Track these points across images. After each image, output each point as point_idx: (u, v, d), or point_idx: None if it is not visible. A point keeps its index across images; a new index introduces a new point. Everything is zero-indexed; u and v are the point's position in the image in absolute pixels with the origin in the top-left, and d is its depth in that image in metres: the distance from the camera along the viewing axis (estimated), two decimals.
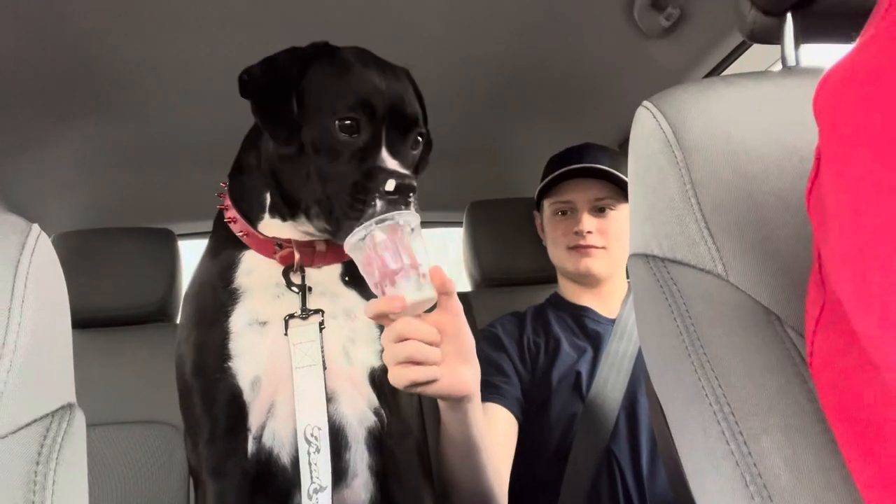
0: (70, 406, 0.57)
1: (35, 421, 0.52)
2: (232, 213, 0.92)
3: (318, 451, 0.81)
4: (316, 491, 0.81)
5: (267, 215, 0.90)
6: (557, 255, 1.41)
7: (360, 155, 0.81)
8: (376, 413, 0.90)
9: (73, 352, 0.62)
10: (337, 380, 0.87)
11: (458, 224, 1.82)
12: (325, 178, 0.82)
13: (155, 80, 1.40)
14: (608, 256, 1.35)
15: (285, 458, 0.85)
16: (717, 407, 0.51)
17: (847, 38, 0.72)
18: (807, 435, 0.47)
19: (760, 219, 0.57)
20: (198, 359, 0.86)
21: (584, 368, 1.27)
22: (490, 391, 1.18)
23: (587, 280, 1.38)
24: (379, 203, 0.77)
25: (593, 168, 1.33)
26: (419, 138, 0.89)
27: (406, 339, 0.73)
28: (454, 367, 0.78)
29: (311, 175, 0.83)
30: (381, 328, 0.90)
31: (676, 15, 1.27)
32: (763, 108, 0.63)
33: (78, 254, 1.53)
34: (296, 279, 0.89)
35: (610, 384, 1.22)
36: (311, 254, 0.90)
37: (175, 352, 0.92)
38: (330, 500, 0.81)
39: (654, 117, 0.65)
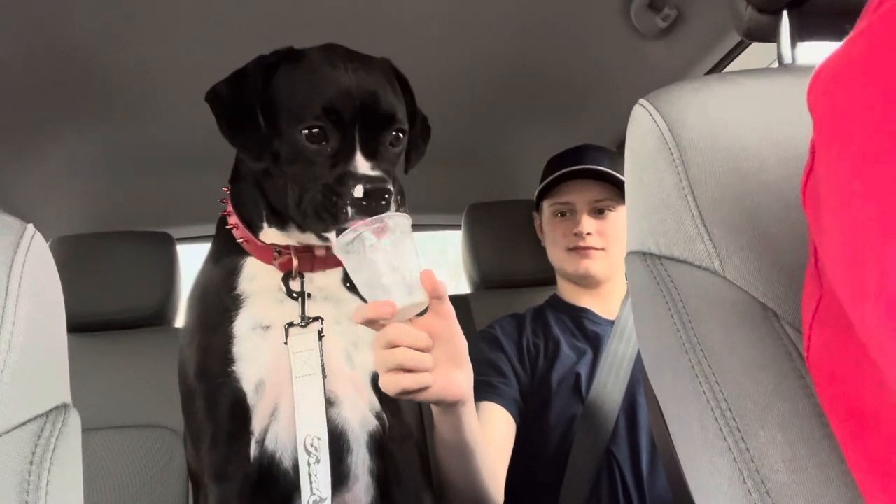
0: (65, 406, 0.57)
1: (29, 421, 0.52)
2: (234, 219, 0.92)
3: (318, 461, 0.81)
4: (316, 502, 0.80)
5: (265, 224, 0.90)
6: (557, 256, 1.41)
7: (330, 162, 0.79)
8: (378, 417, 0.89)
9: (72, 356, 0.62)
10: (339, 384, 0.87)
11: (457, 227, 1.82)
12: (298, 188, 0.80)
13: (152, 84, 1.40)
14: (607, 258, 1.35)
15: (287, 462, 0.85)
16: (714, 403, 0.51)
17: (842, 35, 0.72)
18: (804, 430, 0.47)
19: (757, 215, 0.57)
20: (201, 362, 0.86)
21: (583, 370, 1.26)
22: (487, 391, 1.18)
23: (586, 281, 1.38)
24: (350, 210, 0.75)
25: (593, 169, 1.33)
26: (400, 134, 0.86)
27: (397, 346, 0.72)
28: (447, 372, 0.77)
29: (288, 185, 0.82)
30: None
31: (673, 16, 1.27)
32: (759, 105, 0.63)
33: (76, 258, 1.53)
34: (295, 286, 0.88)
35: (609, 386, 1.22)
36: (311, 260, 0.90)
37: (178, 356, 0.92)
38: None
39: (651, 115, 0.65)
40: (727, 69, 1.35)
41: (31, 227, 0.58)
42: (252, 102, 0.82)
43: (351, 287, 0.91)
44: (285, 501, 0.85)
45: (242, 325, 0.86)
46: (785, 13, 0.72)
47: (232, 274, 0.90)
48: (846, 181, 0.37)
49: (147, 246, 1.61)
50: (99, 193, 1.80)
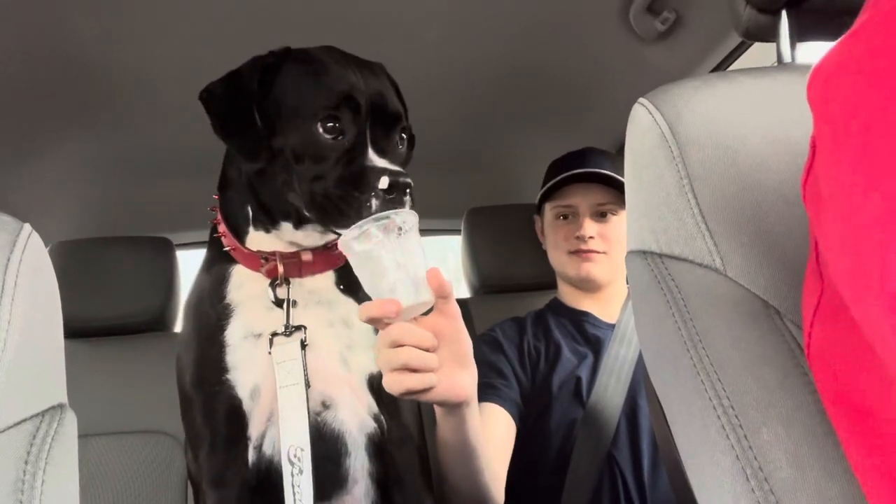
0: (61, 406, 0.57)
1: (24, 420, 0.52)
2: (222, 227, 0.91)
3: (301, 472, 0.79)
4: None
5: (251, 228, 0.89)
6: (558, 259, 1.41)
7: (347, 157, 0.79)
8: (376, 419, 0.89)
9: (71, 361, 0.61)
10: (335, 387, 0.86)
11: (457, 232, 1.82)
12: (310, 184, 0.79)
13: (152, 89, 1.41)
14: (609, 262, 1.35)
15: None
16: (716, 401, 0.50)
17: (841, 35, 0.72)
18: (807, 426, 0.46)
19: (757, 212, 0.57)
20: (196, 371, 0.86)
21: (584, 374, 1.26)
22: (489, 392, 1.18)
23: (588, 285, 1.38)
24: (374, 203, 0.75)
25: (596, 173, 1.33)
26: (404, 135, 0.87)
27: (401, 345, 0.71)
28: (451, 372, 0.76)
29: (294, 184, 0.81)
30: None
31: (672, 19, 1.27)
32: (759, 103, 0.63)
33: (76, 263, 1.53)
34: (282, 292, 0.87)
35: (610, 390, 1.21)
36: (298, 265, 0.88)
37: (175, 364, 0.92)
38: None
39: (650, 113, 0.65)
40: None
41: (27, 227, 0.58)
42: (248, 101, 0.82)
43: (344, 289, 0.91)
44: None
45: (234, 334, 0.85)
46: (784, 13, 0.72)
47: (221, 282, 0.89)
48: (846, 176, 0.36)
49: (147, 251, 1.61)
50: (99, 199, 1.80)
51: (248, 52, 0.87)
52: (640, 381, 1.21)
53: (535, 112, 1.69)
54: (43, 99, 1.39)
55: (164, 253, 1.62)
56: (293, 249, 0.89)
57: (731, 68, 1.34)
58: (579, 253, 1.35)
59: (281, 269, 0.87)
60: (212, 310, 0.88)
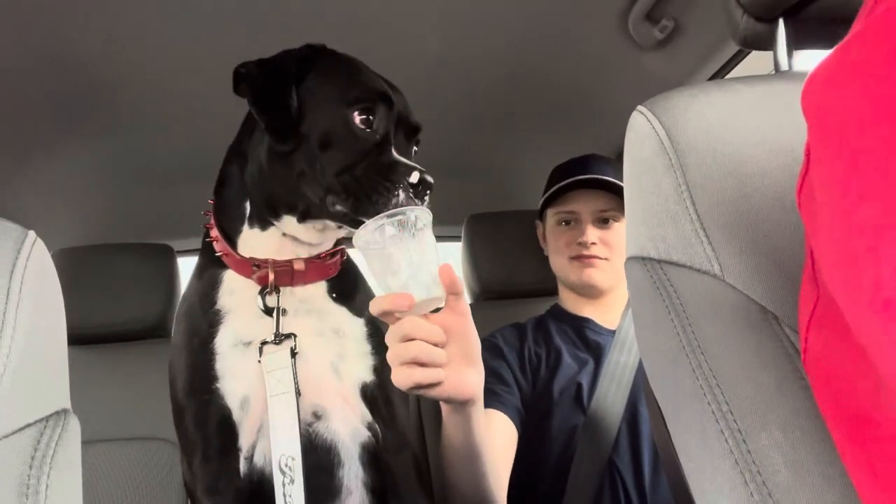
0: (65, 412, 0.57)
1: (28, 425, 0.52)
2: (214, 232, 0.91)
3: (292, 482, 0.79)
4: None
5: (246, 226, 0.89)
6: (560, 265, 1.41)
7: (376, 150, 0.81)
8: (370, 428, 0.88)
9: (72, 368, 0.62)
10: (326, 397, 0.86)
11: (457, 238, 1.82)
12: (339, 173, 0.80)
13: (153, 96, 1.41)
14: (611, 268, 1.35)
15: None
16: (715, 406, 0.50)
17: (838, 43, 0.72)
18: (805, 431, 0.46)
19: (755, 219, 0.58)
20: (187, 379, 0.85)
21: (585, 380, 1.26)
22: (490, 398, 1.17)
23: (589, 291, 1.38)
24: (402, 195, 0.76)
25: (599, 179, 1.34)
26: (416, 147, 0.89)
27: (412, 339, 0.72)
28: (459, 369, 0.76)
29: (316, 172, 0.81)
30: (372, 344, 0.89)
31: (671, 27, 1.28)
32: (756, 111, 0.64)
33: (77, 270, 1.53)
34: (272, 301, 0.87)
35: (611, 396, 1.21)
36: (290, 273, 0.88)
37: (168, 371, 0.91)
38: None
39: (649, 121, 0.66)
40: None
41: (32, 234, 0.59)
42: (285, 81, 0.83)
43: (336, 299, 0.90)
44: None
45: (224, 342, 0.85)
46: (781, 21, 0.72)
47: (212, 288, 0.89)
48: (840, 184, 0.37)
49: (148, 258, 1.61)
50: (100, 206, 1.80)
51: (251, 59, 0.87)
52: (640, 388, 1.21)
53: (534, 119, 1.70)
54: (45, 106, 1.39)
55: (165, 260, 1.62)
56: (286, 251, 0.88)
57: (729, 76, 1.35)
58: (581, 259, 1.35)
59: (271, 276, 0.86)
60: (203, 316, 0.87)
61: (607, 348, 1.29)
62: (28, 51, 1.22)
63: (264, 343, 0.84)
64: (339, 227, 0.87)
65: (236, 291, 0.88)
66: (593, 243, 1.34)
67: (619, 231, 1.35)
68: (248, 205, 0.89)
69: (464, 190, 1.92)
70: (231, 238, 0.90)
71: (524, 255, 1.62)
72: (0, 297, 0.52)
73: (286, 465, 0.80)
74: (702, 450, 0.51)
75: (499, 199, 1.91)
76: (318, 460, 0.84)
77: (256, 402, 0.83)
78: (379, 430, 0.88)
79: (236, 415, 0.83)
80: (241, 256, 0.88)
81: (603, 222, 1.36)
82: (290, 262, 0.88)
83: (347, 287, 0.93)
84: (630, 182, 0.69)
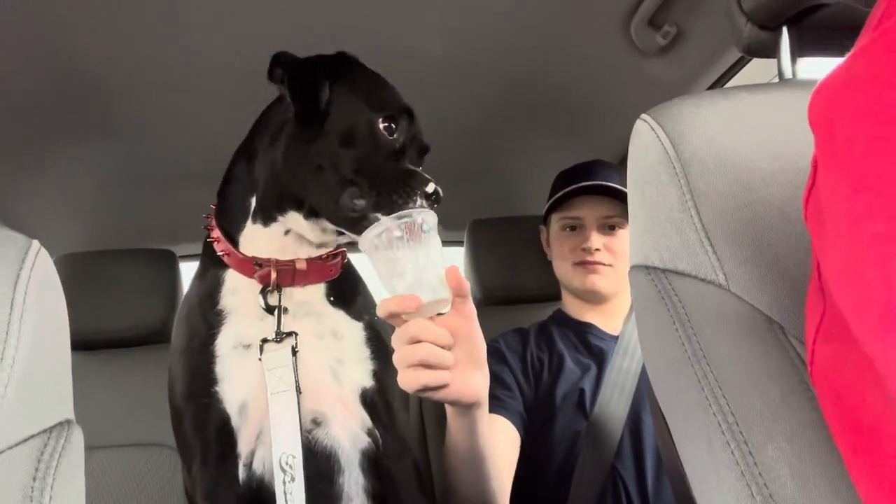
0: (68, 422, 0.57)
1: (32, 436, 0.52)
2: (216, 233, 0.91)
3: (293, 479, 0.79)
4: None
5: (249, 221, 0.89)
6: (563, 270, 1.41)
7: (394, 157, 0.84)
8: (370, 434, 0.88)
9: (74, 374, 0.61)
10: (326, 402, 0.85)
11: (460, 244, 1.82)
12: (358, 170, 0.82)
13: (155, 101, 1.41)
14: (615, 274, 1.35)
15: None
16: (720, 417, 0.50)
17: (842, 50, 0.72)
18: (812, 443, 0.46)
19: (760, 228, 0.57)
20: (186, 383, 0.85)
21: (587, 385, 1.26)
22: (493, 403, 1.17)
23: (593, 297, 1.38)
24: (419, 202, 0.79)
25: (604, 185, 1.34)
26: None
27: (419, 342, 0.72)
28: (465, 372, 0.76)
29: (337, 166, 0.82)
30: (371, 348, 0.89)
31: (673, 33, 1.28)
32: (761, 119, 0.64)
33: (79, 276, 1.53)
34: (273, 300, 0.87)
35: (614, 402, 1.21)
36: (292, 273, 0.88)
37: (168, 374, 0.91)
38: None
39: (653, 130, 0.65)
40: (728, 85, 1.35)
41: (36, 243, 0.59)
42: (320, 75, 0.85)
43: (334, 302, 0.90)
44: None
45: (224, 344, 0.85)
46: (784, 29, 0.72)
47: (215, 288, 0.89)
48: (848, 196, 0.37)
49: (150, 263, 1.61)
50: (102, 211, 1.81)
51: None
52: (643, 394, 1.21)
53: (537, 124, 1.70)
54: (47, 112, 1.40)
55: (167, 265, 1.62)
56: (287, 251, 0.89)
57: (731, 82, 1.34)
58: (585, 264, 1.35)
59: (274, 275, 0.87)
60: (204, 318, 0.87)
61: (610, 354, 1.29)
62: (30, 57, 1.22)
63: (265, 341, 0.84)
64: (340, 234, 0.87)
65: (238, 291, 0.88)
66: (597, 249, 1.34)
67: (624, 238, 1.35)
68: (253, 200, 0.89)
69: (466, 195, 1.92)
70: (233, 237, 0.90)
71: (527, 261, 1.62)
72: (4, 308, 0.52)
73: (287, 464, 0.80)
74: (707, 461, 0.51)
75: (501, 204, 1.91)
76: (318, 467, 0.84)
77: (255, 408, 0.83)
78: (379, 435, 0.88)
79: (235, 420, 0.83)
80: (243, 255, 0.88)
81: (608, 228, 1.36)
82: (292, 261, 0.88)
83: (346, 290, 0.93)
84: (634, 191, 0.69)
